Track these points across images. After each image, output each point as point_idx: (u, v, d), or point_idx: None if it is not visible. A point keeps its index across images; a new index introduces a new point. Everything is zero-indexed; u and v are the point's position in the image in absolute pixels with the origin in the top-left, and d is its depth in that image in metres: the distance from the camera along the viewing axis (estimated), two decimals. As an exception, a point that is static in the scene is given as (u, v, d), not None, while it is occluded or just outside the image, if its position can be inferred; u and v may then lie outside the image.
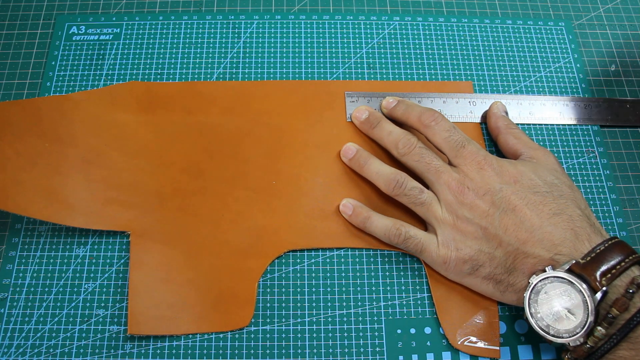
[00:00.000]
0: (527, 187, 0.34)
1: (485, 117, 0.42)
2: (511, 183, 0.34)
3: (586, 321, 0.30)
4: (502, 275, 0.34)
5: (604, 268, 0.30)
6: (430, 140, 0.38)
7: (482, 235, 0.34)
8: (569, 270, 0.31)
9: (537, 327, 0.31)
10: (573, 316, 0.30)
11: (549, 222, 0.33)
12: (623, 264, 0.30)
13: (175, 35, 0.45)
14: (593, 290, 0.30)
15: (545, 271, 0.31)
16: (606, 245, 0.31)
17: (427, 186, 0.37)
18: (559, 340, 0.31)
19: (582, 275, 0.30)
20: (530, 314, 0.32)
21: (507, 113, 0.41)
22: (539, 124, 0.43)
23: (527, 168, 0.35)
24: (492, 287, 0.34)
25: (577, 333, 0.30)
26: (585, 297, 0.30)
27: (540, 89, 0.44)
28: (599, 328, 0.30)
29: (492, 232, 0.34)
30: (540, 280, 0.31)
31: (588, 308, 0.30)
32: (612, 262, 0.30)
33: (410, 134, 0.38)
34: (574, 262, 0.31)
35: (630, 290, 0.29)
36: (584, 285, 0.30)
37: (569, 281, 0.30)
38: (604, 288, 0.30)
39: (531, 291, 0.32)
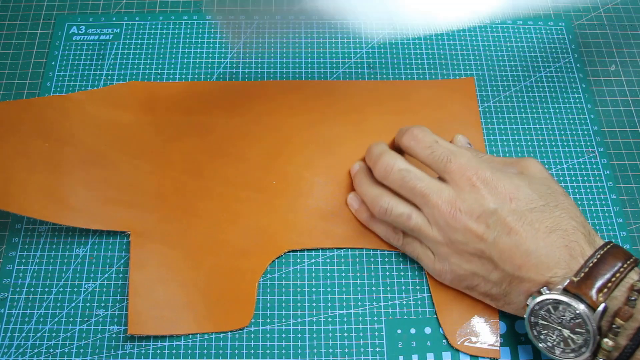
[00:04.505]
0: (524, 204, 0.32)
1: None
2: (507, 201, 0.32)
3: (590, 339, 0.29)
4: (498, 294, 0.33)
5: (599, 283, 0.29)
6: (417, 160, 0.36)
7: (477, 258, 0.33)
8: (564, 291, 0.29)
9: (542, 349, 0.31)
10: (575, 335, 0.29)
11: (545, 242, 0.31)
12: (618, 274, 0.29)
13: (175, 35, 0.45)
14: (592, 308, 0.29)
15: (540, 293, 0.30)
16: (598, 256, 0.30)
17: None
18: None
19: (577, 294, 0.29)
20: (534, 336, 0.31)
21: (470, 144, 0.39)
22: (539, 124, 0.43)
23: (524, 182, 0.33)
24: (489, 301, 0.34)
25: (583, 352, 0.29)
26: (584, 316, 0.29)
27: (540, 89, 0.44)
28: (606, 340, 0.29)
29: (487, 255, 0.32)
30: (537, 303, 0.30)
31: (589, 326, 0.29)
32: (607, 275, 0.29)
33: (389, 154, 0.35)
34: (568, 281, 0.29)
35: (632, 298, 0.28)
36: (581, 305, 0.29)
37: (564, 302, 0.29)
38: (603, 304, 0.29)
39: (530, 314, 0.31)
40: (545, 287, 0.30)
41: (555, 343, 0.30)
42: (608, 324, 0.29)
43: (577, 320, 0.29)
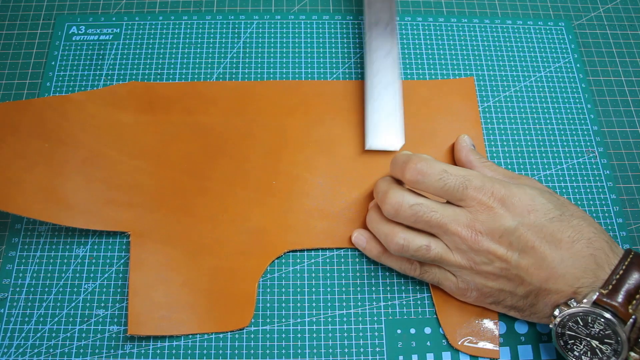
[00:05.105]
0: (542, 214, 0.32)
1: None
2: (525, 214, 0.32)
3: (619, 350, 0.29)
4: (525, 306, 0.33)
5: (628, 295, 0.29)
6: (425, 194, 0.34)
7: (503, 276, 0.32)
8: (594, 303, 0.29)
9: (569, 358, 0.31)
10: (604, 346, 0.30)
11: (569, 253, 0.31)
12: None
13: (175, 35, 0.45)
14: (622, 320, 0.29)
15: (568, 305, 0.30)
16: (624, 267, 0.30)
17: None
18: None
19: (607, 306, 0.29)
20: (560, 346, 0.31)
21: (474, 146, 0.39)
22: (539, 124, 0.43)
23: (535, 191, 0.33)
24: (513, 313, 0.34)
25: None
26: (614, 328, 0.29)
27: (540, 89, 0.44)
28: (632, 354, 0.29)
29: (513, 273, 0.32)
30: (566, 315, 0.30)
31: (619, 337, 0.29)
32: (634, 286, 0.29)
33: (394, 190, 0.33)
34: (597, 294, 0.29)
35: None
36: (612, 317, 0.29)
37: (595, 314, 0.29)
38: (634, 316, 0.29)
39: (557, 325, 0.31)
40: (572, 300, 0.30)
41: (582, 352, 0.31)
42: (635, 336, 0.29)
43: (607, 332, 0.29)
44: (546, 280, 0.31)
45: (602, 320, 0.29)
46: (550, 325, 0.31)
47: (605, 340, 0.30)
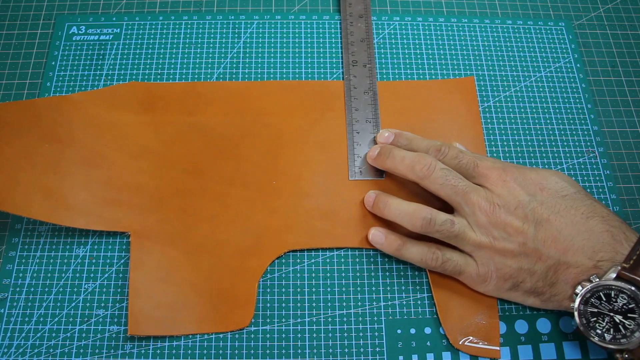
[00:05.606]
0: (554, 192, 0.33)
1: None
2: (537, 192, 0.33)
3: None
4: (544, 287, 0.33)
5: None
6: (436, 183, 0.35)
7: (521, 251, 0.33)
8: (617, 277, 0.30)
9: (592, 337, 0.31)
10: (627, 321, 0.30)
11: (585, 227, 0.32)
12: None
13: (175, 35, 0.45)
14: None
15: (590, 281, 0.31)
16: None
17: (448, 206, 0.36)
18: (617, 347, 0.30)
19: (631, 280, 0.30)
20: (582, 324, 0.31)
21: (467, 150, 0.39)
22: (539, 124, 0.43)
23: (549, 172, 0.34)
24: (532, 299, 0.34)
25: (636, 337, 0.30)
26: (639, 300, 0.30)
27: (540, 89, 0.44)
28: None
29: (530, 247, 0.33)
30: (588, 290, 0.31)
31: None
32: None
33: (423, 155, 0.36)
34: (619, 268, 0.30)
35: None
36: (636, 290, 0.30)
37: (619, 289, 0.30)
38: None
39: (579, 302, 0.31)
40: (594, 275, 0.31)
41: (605, 330, 0.31)
42: None
43: (630, 305, 0.30)
44: (564, 252, 0.32)
45: (625, 294, 0.30)
46: (571, 305, 0.32)
47: (629, 314, 0.30)
